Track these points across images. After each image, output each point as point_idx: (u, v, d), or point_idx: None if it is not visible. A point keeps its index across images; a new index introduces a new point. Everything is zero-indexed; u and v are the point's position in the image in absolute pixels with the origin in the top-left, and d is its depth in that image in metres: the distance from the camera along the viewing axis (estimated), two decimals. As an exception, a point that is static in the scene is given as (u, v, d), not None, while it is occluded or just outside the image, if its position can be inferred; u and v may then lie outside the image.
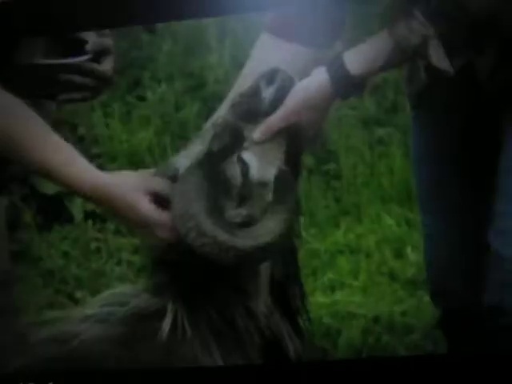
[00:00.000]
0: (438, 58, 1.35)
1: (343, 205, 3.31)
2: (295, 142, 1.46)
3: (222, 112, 1.48)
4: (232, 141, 1.41)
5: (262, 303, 1.42)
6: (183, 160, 1.43)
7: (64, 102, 1.77)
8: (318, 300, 2.69)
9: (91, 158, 3.29)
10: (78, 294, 2.82)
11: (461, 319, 1.81)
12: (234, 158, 1.40)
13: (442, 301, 1.86)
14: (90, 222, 3.16)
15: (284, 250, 1.44)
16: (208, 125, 1.50)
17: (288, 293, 1.47)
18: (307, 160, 3.31)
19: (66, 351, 1.36)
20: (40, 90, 1.69)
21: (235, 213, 1.39)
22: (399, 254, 3.00)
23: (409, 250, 2.97)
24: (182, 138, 3.29)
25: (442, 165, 1.77)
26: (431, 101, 1.70)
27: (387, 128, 3.51)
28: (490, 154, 1.65)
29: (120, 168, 3.26)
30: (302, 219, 3.10)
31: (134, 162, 3.32)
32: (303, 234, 3.08)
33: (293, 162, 1.45)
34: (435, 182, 1.79)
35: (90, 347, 1.36)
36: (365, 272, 2.90)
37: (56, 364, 1.36)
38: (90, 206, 3.13)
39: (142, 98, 3.61)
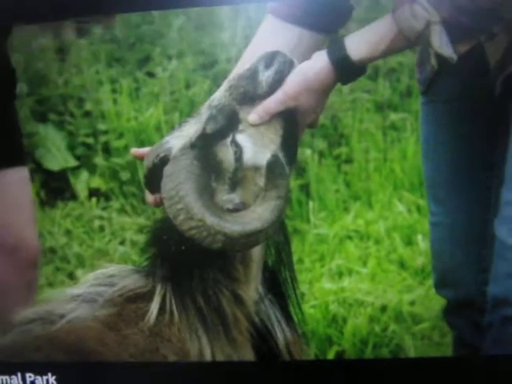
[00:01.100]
0: (441, 43, 1.31)
1: (354, 190, 3.27)
2: (292, 126, 1.41)
3: (219, 93, 1.44)
4: (227, 123, 1.37)
5: (253, 290, 1.39)
6: (176, 140, 1.38)
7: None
8: (324, 286, 2.65)
9: (98, 134, 3.29)
10: (79, 273, 2.79)
11: (466, 309, 1.79)
12: (228, 141, 1.36)
13: (447, 291, 1.84)
14: (94, 199, 3.14)
15: (277, 237, 1.41)
16: (205, 106, 1.46)
17: (280, 280, 1.44)
18: (319, 143, 3.28)
19: (50, 331, 1.33)
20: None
21: (227, 198, 1.34)
22: (409, 242, 2.95)
23: (419, 237, 2.92)
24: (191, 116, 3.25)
25: (449, 152, 1.73)
26: (440, 87, 1.68)
27: (401, 113, 3.47)
28: (498, 142, 1.63)
29: (127, 145, 3.24)
30: (310, 203, 3.09)
31: (142, 140, 3.29)
32: (312, 218, 3.07)
33: (289, 147, 1.40)
34: (443, 169, 1.76)
35: (75, 328, 1.33)
36: (374, 259, 2.85)
37: (40, 344, 1.32)
38: (95, 184, 3.11)
39: (151, 75, 3.57)
